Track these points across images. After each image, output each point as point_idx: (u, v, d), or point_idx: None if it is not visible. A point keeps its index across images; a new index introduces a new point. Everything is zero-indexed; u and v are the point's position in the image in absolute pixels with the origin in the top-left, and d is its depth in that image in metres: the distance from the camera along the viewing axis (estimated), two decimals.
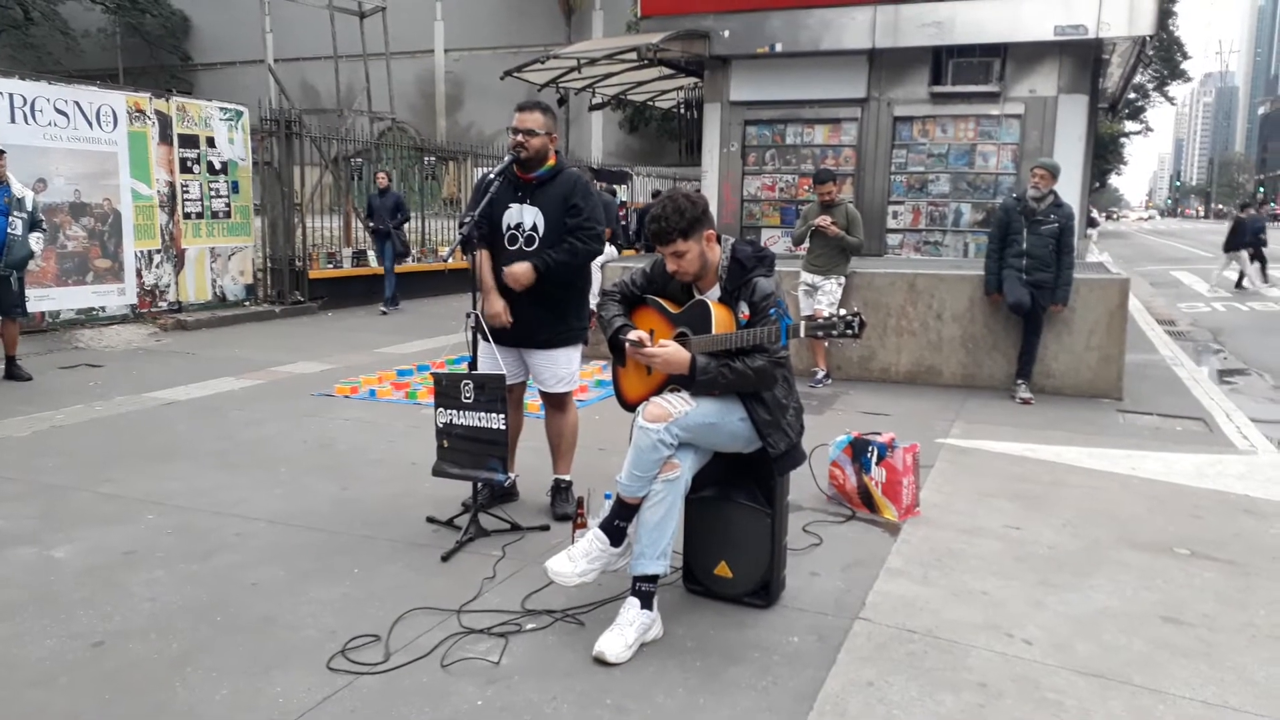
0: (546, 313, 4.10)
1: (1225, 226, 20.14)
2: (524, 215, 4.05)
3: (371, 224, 12.67)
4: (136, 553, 3.80)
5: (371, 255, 13.79)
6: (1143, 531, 4.19)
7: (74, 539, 3.94)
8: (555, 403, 4.31)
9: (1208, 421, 6.39)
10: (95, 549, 3.83)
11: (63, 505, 4.38)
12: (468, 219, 3.98)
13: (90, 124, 9.71)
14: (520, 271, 3.97)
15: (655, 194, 17.22)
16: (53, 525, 4.10)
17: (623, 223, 15.99)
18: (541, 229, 4.03)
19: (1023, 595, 3.48)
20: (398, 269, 12.81)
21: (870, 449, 4.38)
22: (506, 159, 4.04)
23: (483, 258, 4.05)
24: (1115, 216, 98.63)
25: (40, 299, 9.20)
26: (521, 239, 4.05)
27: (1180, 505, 4.58)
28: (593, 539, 3.17)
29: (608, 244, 9.38)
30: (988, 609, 3.36)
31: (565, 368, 4.22)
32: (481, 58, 33.56)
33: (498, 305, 4.06)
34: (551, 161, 4.09)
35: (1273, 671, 2.93)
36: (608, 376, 4.36)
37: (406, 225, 12.97)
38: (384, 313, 12.33)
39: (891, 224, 10.92)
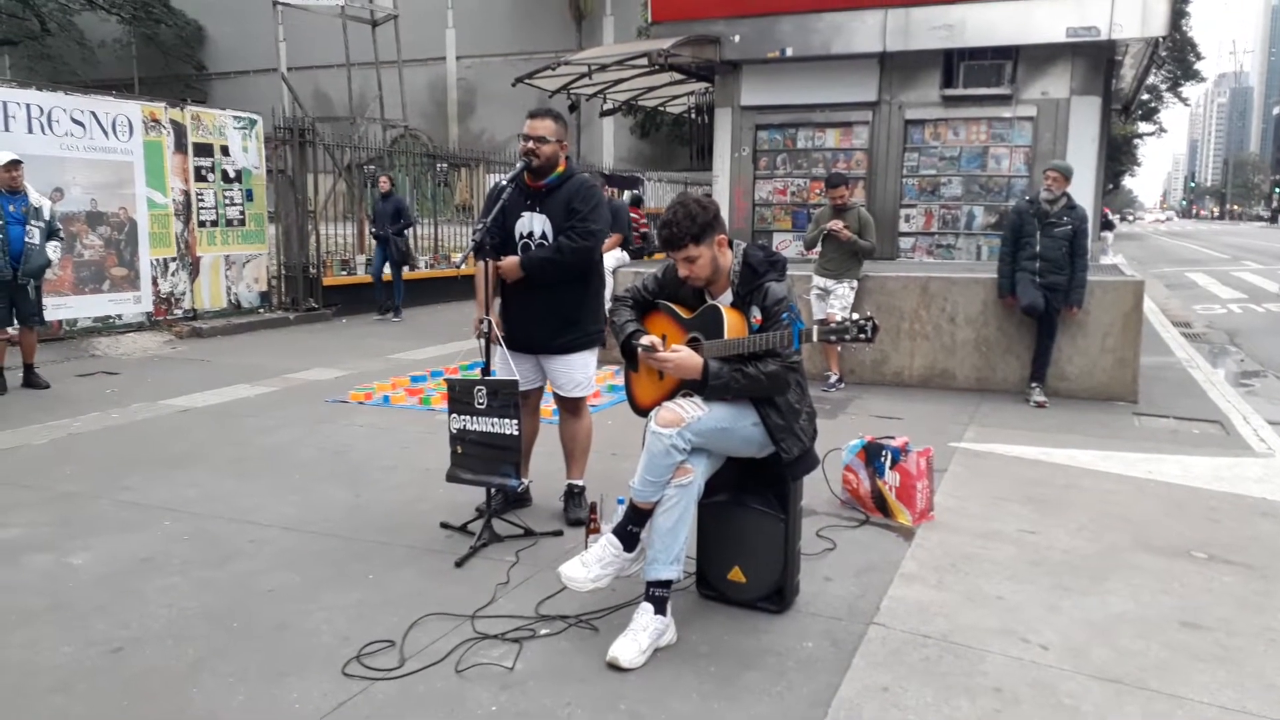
0: (562, 318, 4.11)
1: (1240, 228, 20.01)
2: (534, 223, 4.07)
3: (373, 229, 12.41)
4: (153, 559, 3.82)
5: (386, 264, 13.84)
6: (1159, 535, 4.16)
7: (91, 546, 3.97)
8: (570, 407, 4.32)
9: (1224, 424, 6.35)
10: (112, 556, 3.86)
11: (80, 512, 4.42)
12: (480, 226, 4.00)
13: (106, 134, 9.79)
14: (508, 266, 4.02)
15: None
16: (70, 532, 4.14)
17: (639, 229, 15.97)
18: (550, 237, 4.05)
19: (1038, 600, 3.47)
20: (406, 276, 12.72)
21: (884, 453, 4.36)
22: (519, 166, 4.05)
23: (489, 269, 4.06)
24: (1131, 218, 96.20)
25: (57, 307, 9.27)
26: (534, 247, 4.07)
27: (1197, 509, 4.55)
28: (606, 544, 3.17)
29: (619, 249, 9.39)
30: (1003, 614, 3.34)
31: (582, 372, 4.23)
32: (493, 64, 33.67)
33: (493, 318, 4.08)
34: (562, 169, 4.10)
35: None
36: (620, 381, 4.37)
37: (409, 231, 12.66)
38: (394, 320, 12.13)
39: (904, 227, 10.90)
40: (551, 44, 30.45)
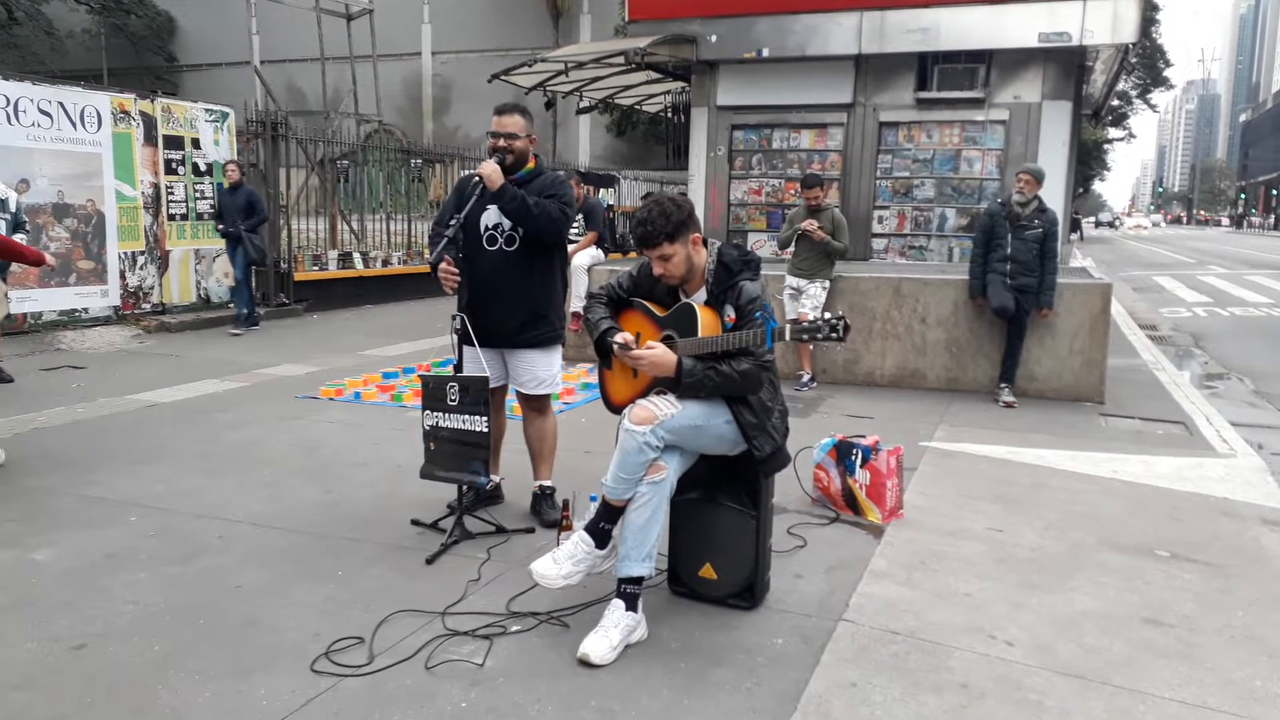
0: (527, 310, 4.06)
1: (1207, 232, 20.30)
2: (503, 216, 4.02)
3: (220, 226, 10.49)
4: (119, 555, 3.77)
5: (358, 257, 13.75)
6: (1124, 534, 4.23)
7: (55, 542, 3.91)
8: (534, 406, 4.28)
9: (1188, 425, 6.45)
10: (77, 551, 3.81)
11: (44, 508, 4.35)
12: (453, 222, 3.96)
13: (74, 125, 9.65)
14: (491, 169, 3.87)
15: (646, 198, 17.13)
16: (33, 528, 4.08)
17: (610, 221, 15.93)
18: (521, 229, 4.01)
19: (1005, 597, 3.51)
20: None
21: (855, 451, 4.40)
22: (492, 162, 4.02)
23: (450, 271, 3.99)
24: (1117, 224, 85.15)
25: (22, 300, 9.14)
26: (501, 239, 4.04)
27: (1161, 508, 4.62)
28: (578, 541, 3.18)
29: (594, 247, 9.39)
30: (970, 610, 3.38)
31: (544, 370, 4.19)
32: (469, 60, 33.52)
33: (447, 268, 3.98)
34: (532, 164, 4.09)
35: (1250, 672, 2.97)
36: (594, 379, 4.37)
37: (263, 228, 10.71)
38: (234, 334, 10.28)
39: (877, 229, 10.98)
40: (528, 41, 30.39)
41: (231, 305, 11.61)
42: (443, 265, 3.94)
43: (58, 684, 2.78)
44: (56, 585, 3.48)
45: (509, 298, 4.04)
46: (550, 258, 4.14)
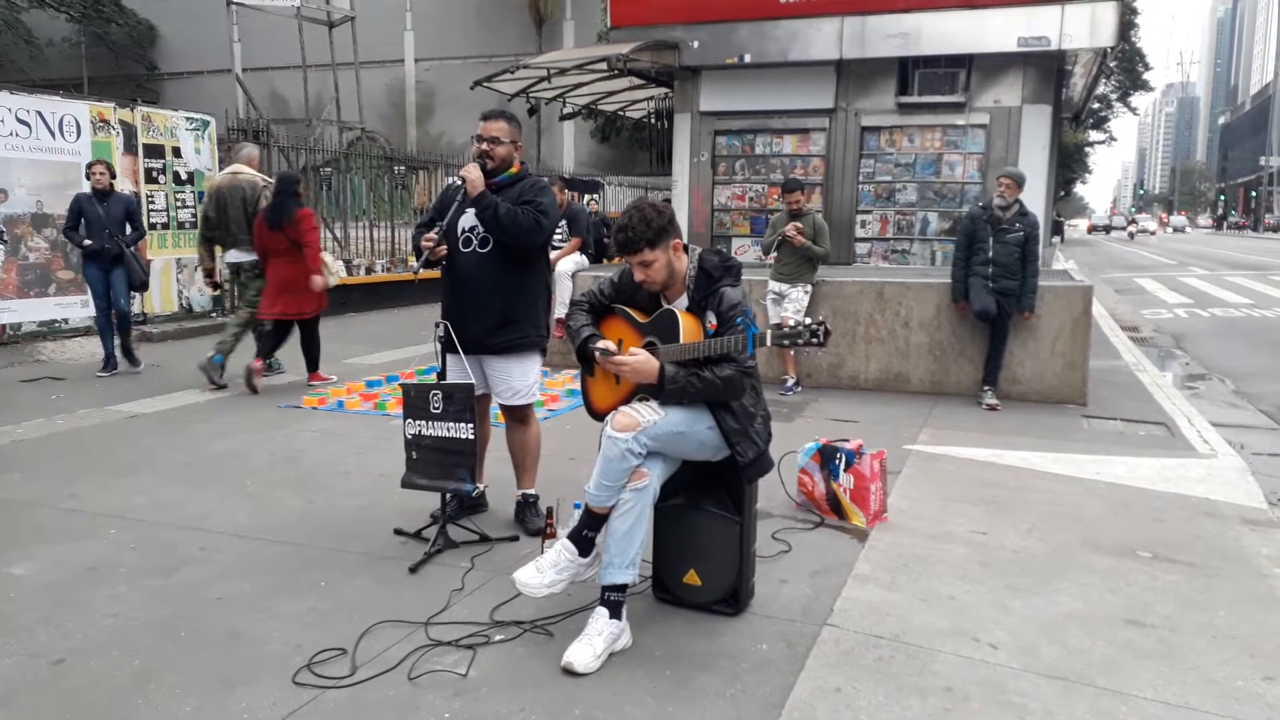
0: (499, 313, 4.03)
1: (1188, 234, 20.41)
2: (477, 220, 4.00)
3: (88, 242, 7.85)
4: (99, 568, 3.74)
5: (340, 265, 13.65)
6: (1106, 535, 4.25)
7: (34, 555, 3.87)
8: (515, 416, 4.26)
9: (1170, 426, 6.49)
10: (56, 565, 3.77)
11: (23, 521, 4.31)
12: (436, 231, 3.95)
13: (53, 134, 9.58)
14: (475, 174, 3.89)
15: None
16: (12, 541, 4.03)
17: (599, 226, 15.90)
18: (492, 234, 3.99)
19: (989, 599, 3.52)
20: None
21: (838, 456, 4.41)
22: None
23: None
24: (1132, 231, 61.72)
25: (1, 311, 9.06)
26: (476, 241, 4.02)
27: (1143, 509, 4.65)
28: (561, 549, 3.17)
29: (578, 253, 9.38)
30: (954, 614, 3.39)
31: (520, 380, 4.15)
32: (452, 67, 33.46)
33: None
34: (515, 169, 4.08)
35: (1232, 671, 2.98)
36: (578, 386, 4.36)
37: (144, 242, 8.87)
38: (130, 371, 8.26)
39: (860, 233, 11.02)
40: (511, 47, 30.33)
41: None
42: (425, 236, 3.96)
43: (36, 700, 2.75)
44: (35, 599, 3.45)
45: (481, 300, 4.01)
46: (526, 263, 4.09)
